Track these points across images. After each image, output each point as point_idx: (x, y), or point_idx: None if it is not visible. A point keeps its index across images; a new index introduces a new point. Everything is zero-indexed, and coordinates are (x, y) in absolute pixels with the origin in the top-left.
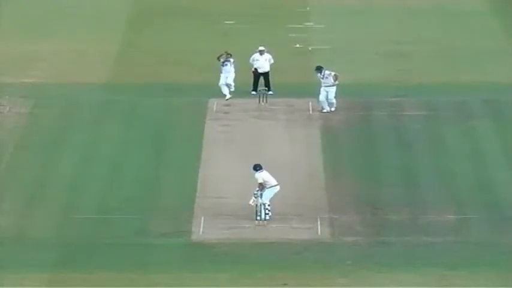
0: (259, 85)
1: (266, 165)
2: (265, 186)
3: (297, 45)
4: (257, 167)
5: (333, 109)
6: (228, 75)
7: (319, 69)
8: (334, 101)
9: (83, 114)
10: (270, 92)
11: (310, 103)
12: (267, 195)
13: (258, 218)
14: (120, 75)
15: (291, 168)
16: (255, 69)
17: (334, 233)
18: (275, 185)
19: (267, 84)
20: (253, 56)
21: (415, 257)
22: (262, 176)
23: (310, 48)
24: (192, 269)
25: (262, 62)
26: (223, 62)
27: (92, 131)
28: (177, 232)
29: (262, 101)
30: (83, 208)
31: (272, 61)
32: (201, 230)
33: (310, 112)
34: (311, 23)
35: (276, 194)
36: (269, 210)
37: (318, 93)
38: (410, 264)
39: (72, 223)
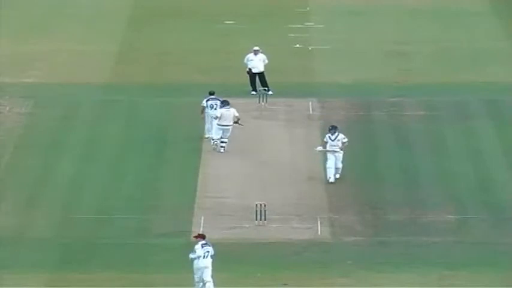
0: (257, 85)
1: (266, 165)
2: (217, 122)
3: (297, 45)
4: (224, 103)
5: (337, 176)
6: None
7: (333, 129)
8: (341, 165)
9: (83, 114)
10: (270, 92)
11: (310, 103)
12: (215, 131)
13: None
14: (120, 75)
15: (291, 168)
16: (249, 69)
17: (334, 233)
18: (223, 125)
19: (265, 84)
20: (248, 56)
21: (415, 257)
22: (222, 111)
23: (310, 48)
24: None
25: (257, 62)
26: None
27: (92, 131)
28: (177, 232)
29: (262, 101)
30: (83, 208)
31: (266, 61)
32: (201, 230)
33: (310, 112)
34: (311, 23)
35: (224, 130)
36: (216, 144)
37: (324, 159)
38: (410, 264)
39: (72, 223)
